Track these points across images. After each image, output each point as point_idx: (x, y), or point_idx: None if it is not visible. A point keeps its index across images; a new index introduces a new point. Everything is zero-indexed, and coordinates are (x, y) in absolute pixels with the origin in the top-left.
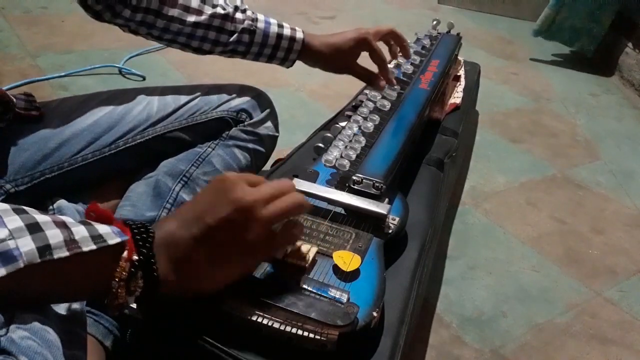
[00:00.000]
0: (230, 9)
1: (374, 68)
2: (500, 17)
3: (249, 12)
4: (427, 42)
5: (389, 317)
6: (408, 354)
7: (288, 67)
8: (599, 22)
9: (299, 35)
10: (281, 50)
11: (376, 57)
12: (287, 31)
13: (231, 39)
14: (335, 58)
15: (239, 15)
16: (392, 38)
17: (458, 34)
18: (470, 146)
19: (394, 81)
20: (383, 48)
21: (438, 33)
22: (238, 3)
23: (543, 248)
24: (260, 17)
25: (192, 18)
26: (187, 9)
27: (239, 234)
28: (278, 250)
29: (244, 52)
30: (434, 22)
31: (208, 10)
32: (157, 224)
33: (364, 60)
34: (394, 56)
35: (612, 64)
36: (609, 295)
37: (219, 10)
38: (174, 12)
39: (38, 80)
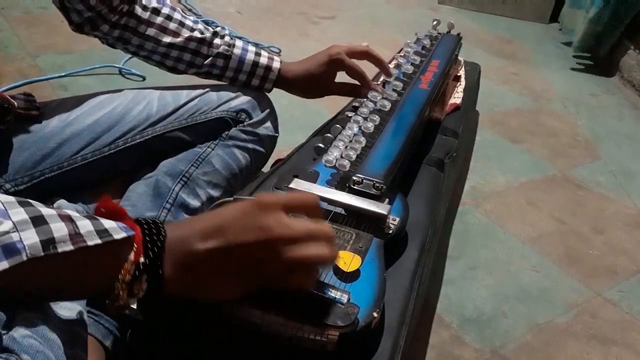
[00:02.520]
0: (208, 34)
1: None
2: (500, 17)
3: (227, 38)
4: (427, 42)
5: (389, 317)
6: (408, 354)
7: (267, 93)
8: (618, 28)
9: (275, 64)
10: (256, 77)
11: (353, 73)
12: (263, 60)
13: (205, 62)
14: (311, 85)
15: (217, 40)
16: (367, 58)
17: (458, 34)
18: (470, 146)
19: (379, 89)
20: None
21: (438, 33)
22: (218, 29)
23: (543, 248)
24: (239, 43)
25: (167, 39)
26: (164, 30)
27: (253, 262)
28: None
29: (218, 75)
30: (434, 22)
31: (185, 33)
32: (175, 224)
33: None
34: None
35: (613, 64)
36: (609, 295)
37: (196, 34)
38: (150, 31)
39: (38, 80)
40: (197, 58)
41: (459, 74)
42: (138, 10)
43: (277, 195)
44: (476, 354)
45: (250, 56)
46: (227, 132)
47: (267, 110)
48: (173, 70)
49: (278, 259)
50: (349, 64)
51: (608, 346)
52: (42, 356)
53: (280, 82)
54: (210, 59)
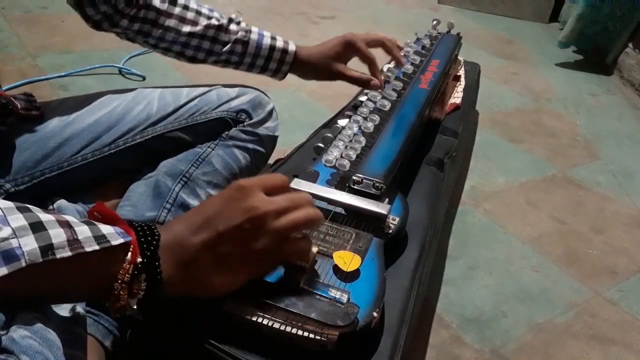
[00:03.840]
0: (224, 21)
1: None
2: (500, 16)
3: (243, 24)
4: (427, 42)
5: (389, 317)
6: (408, 354)
7: (280, 80)
8: (620, 31)
9: (291, 47)
10: (273, 61)
11: (364, 57)
12: (279, 43)
13: (224, 49)
14: (324, 65)
15: (233, 27)
16: (381, 46)
17: (458, 34)
18: (470, 146)
19: (382, 86)
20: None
21: (438, 33)
22: (233, 16)
23: (543, 248)
24: (255, 29)
25: (187, 28)
26: (183, 20)
27: (248, 242)
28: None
29: (237, 62)
30: (434, 22)
31: (203, 21)
32: (164, 226)
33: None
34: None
35: (612, 63)
36: (609, 295)
37: (214, 21)
38: (170, 22)
39: (38, 80)
40: (216, 45)
41: (458, 74)
42: (156, 1)
43: (252, 179)
44: (476, 353)
45: (267, 40)
46: (227, 132)
47: (267, 110)
48: (193, 60)
49: (270, 232)
50: (362, 47)
51: (608, 346)
52: (41, 357)
53: (296, 65)
54: (229, 45)
